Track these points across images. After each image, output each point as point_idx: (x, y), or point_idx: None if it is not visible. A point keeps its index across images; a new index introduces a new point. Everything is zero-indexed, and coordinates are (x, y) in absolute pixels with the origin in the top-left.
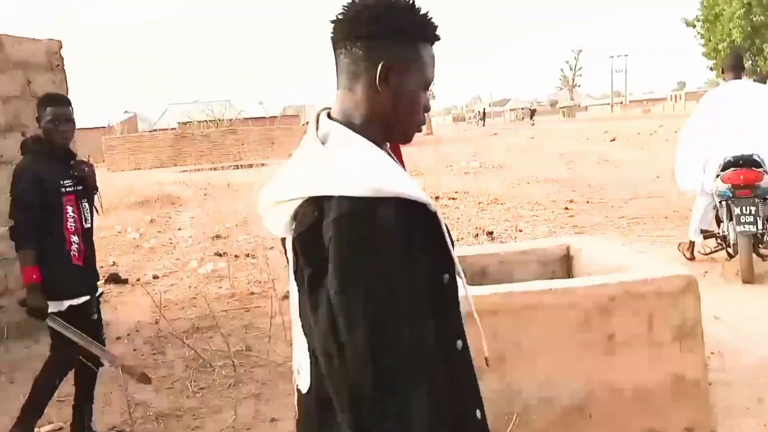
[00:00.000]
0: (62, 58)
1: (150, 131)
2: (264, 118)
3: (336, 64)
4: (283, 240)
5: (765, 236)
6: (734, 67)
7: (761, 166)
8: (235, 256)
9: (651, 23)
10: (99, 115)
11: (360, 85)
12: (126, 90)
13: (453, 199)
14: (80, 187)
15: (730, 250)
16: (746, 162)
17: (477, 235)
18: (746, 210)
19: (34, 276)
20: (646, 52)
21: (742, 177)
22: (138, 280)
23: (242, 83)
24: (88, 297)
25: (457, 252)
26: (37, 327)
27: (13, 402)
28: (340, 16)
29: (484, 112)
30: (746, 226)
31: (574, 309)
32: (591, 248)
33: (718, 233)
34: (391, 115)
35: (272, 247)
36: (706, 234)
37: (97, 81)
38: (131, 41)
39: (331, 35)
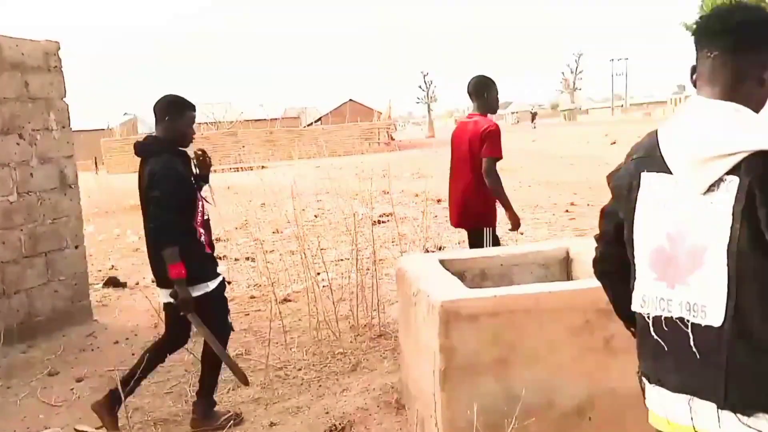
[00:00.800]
0: (60, 60)
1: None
2: (265, 120)
3: (704, 64)
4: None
5: None
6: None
7: None
8: (235, 259)
9: (652, 27)
10: (99, 118)
11: (746, 84)
12: (127, 92)
13: None
14: (201, 182)
15: None
16: None
17: None
18: None
19: (182, 271)
20: (646, 55)
21: None
22: (137, 283)
23: (243, 85)
24: (222, 277)
25: (456, 255)
26: (33, 331)
27: (11, 408)
28: (719, 26)
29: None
30: None
31: (573, 311)
32: (591, 251)
33: None
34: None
35: (272, 251)
36: None
37: (97, 83)
38: (133, 43)
39: (701, 40)
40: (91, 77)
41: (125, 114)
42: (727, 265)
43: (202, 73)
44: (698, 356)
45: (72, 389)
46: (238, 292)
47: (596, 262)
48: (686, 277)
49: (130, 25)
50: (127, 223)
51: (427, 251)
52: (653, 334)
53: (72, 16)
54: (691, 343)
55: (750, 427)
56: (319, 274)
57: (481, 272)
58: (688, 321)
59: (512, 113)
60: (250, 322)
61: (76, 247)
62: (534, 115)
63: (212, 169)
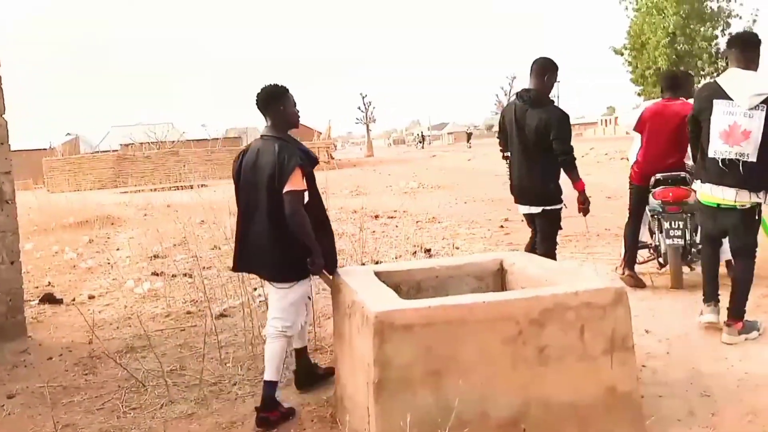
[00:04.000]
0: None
1: (92, 153)
2: (206, 140)
3: (731, 55)
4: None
5: (693, 248)
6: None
7: (688, 184)
8: (173, 275)
9: (583, 51)
10: (40, 138)
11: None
12: (69, 112)
13: (392, 217)
14: None
15: (661, 260)
16: (675, 180)
17: (415, 252)
18: (675, 225)
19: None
20: (577, 78)
21: (671, 194)
22: (73, 300)
23: (186, 106)
24: None
25: (392, 267)
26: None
27: None
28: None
29: (423, 135)
30: (675, 239)
31: (507, 322)
32: (524, 262)
33: (651, 244)
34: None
35: (210, 267)
36: (640, 244)
37: (39, 102)
38: (74, 62)
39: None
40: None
41: (67, 134)
42: (761, 138)
43: (146, 94)
44: (743, 174)
45: (2, 405)
46: (174, 307)
47: (689, 129)
48: (740, 142)
49: (72, 45)
50: (65, 240)
51: (364, 265)
52: (721, 165)
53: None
54: (740, 168)
55: (756, 194)
56: (255, 289)
57: (417, 284)
58: (739, 159)
59: (449, 133)
60: (186, 337)
61: (12, 263)
62: (469, 135)
63: (154, 187)
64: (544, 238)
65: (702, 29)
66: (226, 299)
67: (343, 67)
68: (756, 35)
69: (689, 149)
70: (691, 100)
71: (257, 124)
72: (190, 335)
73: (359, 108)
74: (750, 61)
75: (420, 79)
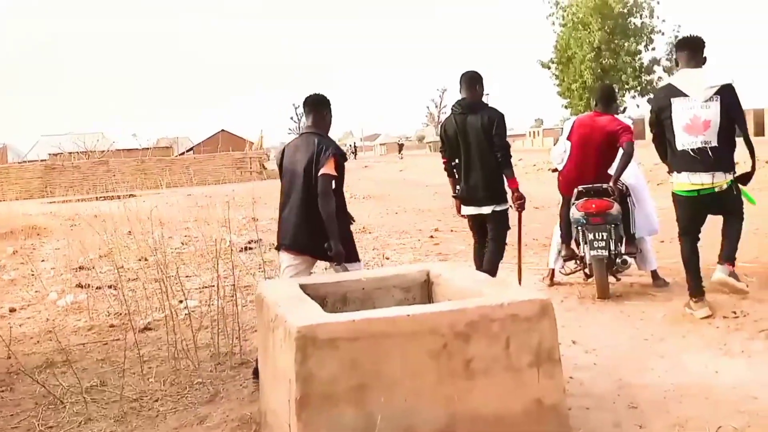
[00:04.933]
0: None
1: (20, 162)
2: (137, 149)
3: (681, 57)
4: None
5: (617, 259)
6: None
7: (611, 196)
8: (97, 287)
9: (510, 64)
10: None
11: (700, 62)
12: None
13: None
14: None
15: (587, 271)
16: (597, 192)
17: None
18: (599, 236)
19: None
20: (506, 91)
21: (594, 206)
22: None
23: (117, 115)
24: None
25: (317, 280)
26: None
27: None
28: (683, 43)
29: (355, 146)
30: (599, 250)
31: (432, 335)
32: (450, 274)
33: (578, 254)
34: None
35: (136, 279)
36: (567, 255)
37: None
38: (3, 70)
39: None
40: None
41: None
42: (719, 124)
43: (76, 104)
44: (713, 158)
45: None
46: (97, 320)
47: (652, 129)
48: (703, 131)
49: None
50: None
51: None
52: (692, 154)
53: None
54: (709, 154)
55: (726, 175)
56: (181, 302)
57: (343, 297)
58: (705, 146)
59: (380, 144)
60: (108, 351)
61: None
62: (401, 147)
63: (82, 197)
64: (496, 238)
65: (626, 44)
66: (151, 312)
67: (276, 75)
68: (701, 38)
69: (618, 160)
70: (620, 116)
71: (189, 133)
72: (113, 349)
73: (292, 118)
74: (698, 61)
75: (352, 90)
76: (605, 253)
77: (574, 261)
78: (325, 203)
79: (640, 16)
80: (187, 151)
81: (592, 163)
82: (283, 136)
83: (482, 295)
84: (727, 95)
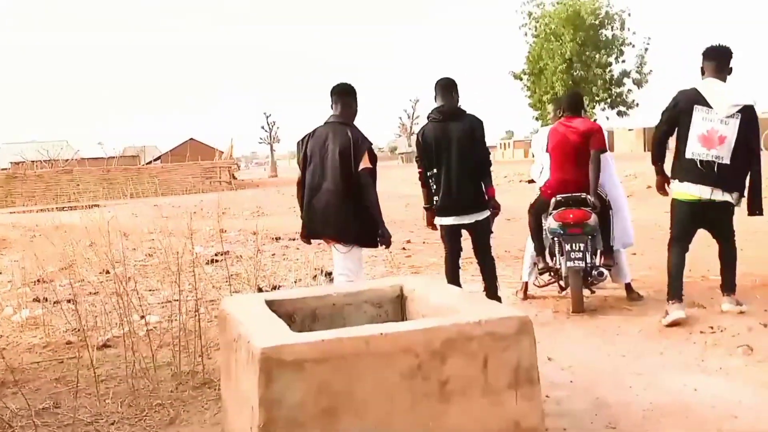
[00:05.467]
0: None
1: None
2: (103, 158)
3: (709, 67)
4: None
5: (593, 271)
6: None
7: (588, 206)
8: (55, 302)
9: (481, 75)
10: None
11: (726, 74)
12: None
13: (293, 239)
14: None
15: (562, 283)
16: (575, 202)
17: (315, 276)
18: (576, 246)
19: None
20: (477, 102)
21: (571, 216)
22: None
23: (83, 124)
24: None
25: (285, 295)
26: None
27: None
28: (712, 52)
29: None
30: (576, 261)
31: (406, 355)
32: (424, 289)
33: (552, 266)
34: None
35: (97, 292)
36: (542, 268)
37: None
38: None
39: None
40: None
41: None
42: (734, 143)
43: (40, 111)
44: (718, 175)
45: None
46: (54, 337)
47: (658, 130)
48: (716, 146)
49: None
50: None
51: (260, 290)
52: (699, 166)
53: None
54: (715, 169)
55: (729, 194)
56: (142, 317)
57: (312, 313)
58: (715, 162)
59: None
60: (63, 370)
61: None
62: None
63: (43, 207)
64: (484, 249)
65: (597, 56)
66: (110, 328)
67: (247, 84)
68: (729, 48)
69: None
70: (593, 118)
71: (156, 142)
72: (69, 368)
73: (263, 127)
74: (726, 73)
75: (325, 101)
76: (582, 264)
77: (548, 273)
78: (370, 194)
79: (612, 28)
80: (155, 160)
81: (573, 166)
82: (254, 145)
83: (458, 312)
84: (747, 115)
